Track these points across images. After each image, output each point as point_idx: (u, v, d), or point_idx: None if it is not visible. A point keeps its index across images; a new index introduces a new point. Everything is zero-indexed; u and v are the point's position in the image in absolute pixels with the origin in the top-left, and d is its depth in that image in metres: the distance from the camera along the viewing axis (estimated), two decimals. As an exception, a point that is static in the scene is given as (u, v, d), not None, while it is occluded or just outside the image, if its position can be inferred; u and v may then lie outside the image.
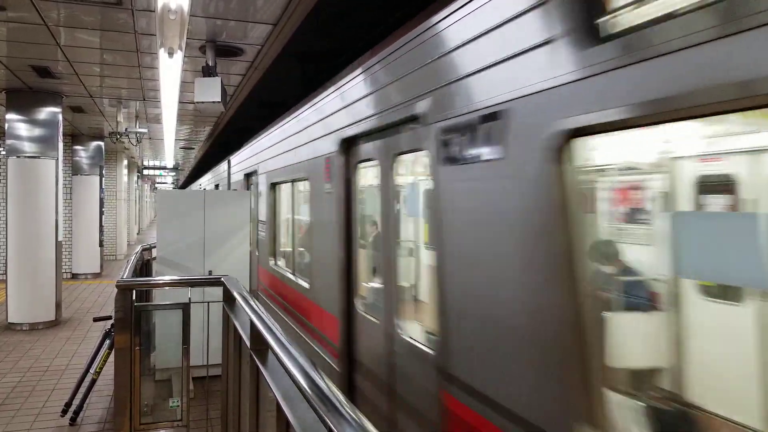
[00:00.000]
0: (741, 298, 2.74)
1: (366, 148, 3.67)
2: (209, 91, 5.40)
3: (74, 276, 12.75)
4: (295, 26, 4.92)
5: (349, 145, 3.91)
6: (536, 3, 1.89)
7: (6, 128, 7.99)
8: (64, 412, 4.67)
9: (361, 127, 3.56)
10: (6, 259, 7.96)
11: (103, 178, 13.53)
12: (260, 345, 2.57)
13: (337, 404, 1.51)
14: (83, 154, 13.12)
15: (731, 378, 2.60)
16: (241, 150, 9.39)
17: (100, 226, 13.19)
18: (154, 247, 6.33)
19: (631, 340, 2.66)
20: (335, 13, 5.57)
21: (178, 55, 4.89)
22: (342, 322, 3.88)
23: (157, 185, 38.36)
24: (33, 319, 7.87)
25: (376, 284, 3.62)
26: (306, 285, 4.87)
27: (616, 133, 1.63)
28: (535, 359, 1.89)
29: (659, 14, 1.44)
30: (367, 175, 3.83)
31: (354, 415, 1.44)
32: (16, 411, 4.86)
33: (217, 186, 13.09)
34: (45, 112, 8.03)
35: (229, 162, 9.32)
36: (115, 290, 3.82)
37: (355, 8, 5.41)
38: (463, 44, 2.33)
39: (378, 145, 3.44)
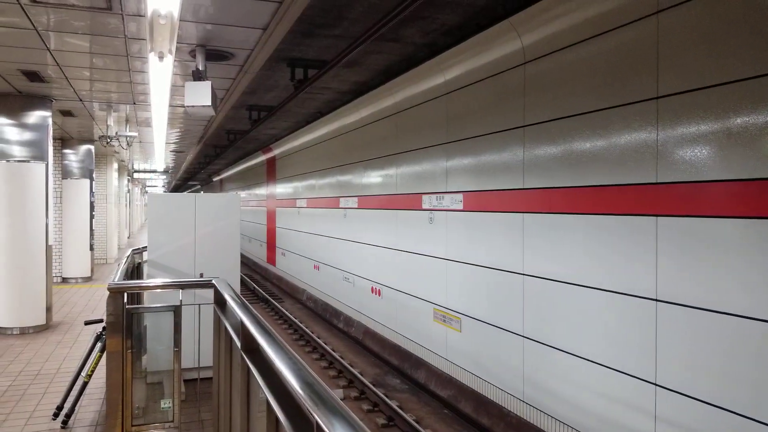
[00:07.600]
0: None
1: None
2: (199, 95, 5.43)
3: (64, 280, 12.68)
4: (284, 32, 4.97)
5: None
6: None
7: (-5, 132, 7.96)
8: (56, 415, 4.68)
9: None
10: (-5, 264, 7.91)
11: (93, 182, 13.48)
12: (251, 346, 2.61)
13: (328, 401, 1.55)
14: (73, 158, 13.05)
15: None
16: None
17: (91, 230, 13.14)
18: (145, 250, 6.35)
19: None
20: (322, 20, 5.61)
21: (168, 59, 4.93)
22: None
23: (147, 189, 38.19)
24: (23, 323, 7.85)
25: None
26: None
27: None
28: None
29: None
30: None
31: (346, 415, 1.47)
32: (7, 415, 4.87)
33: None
34: (34, 116, 8.01)
35: None
36: (107, 293, 3.85)
37: (341, 17, 5.46)
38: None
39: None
